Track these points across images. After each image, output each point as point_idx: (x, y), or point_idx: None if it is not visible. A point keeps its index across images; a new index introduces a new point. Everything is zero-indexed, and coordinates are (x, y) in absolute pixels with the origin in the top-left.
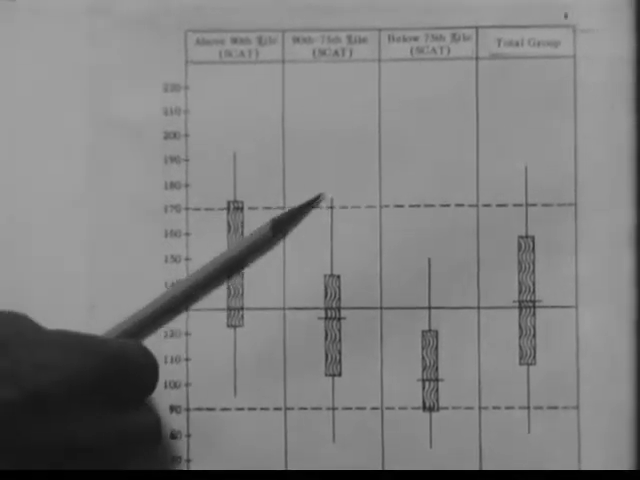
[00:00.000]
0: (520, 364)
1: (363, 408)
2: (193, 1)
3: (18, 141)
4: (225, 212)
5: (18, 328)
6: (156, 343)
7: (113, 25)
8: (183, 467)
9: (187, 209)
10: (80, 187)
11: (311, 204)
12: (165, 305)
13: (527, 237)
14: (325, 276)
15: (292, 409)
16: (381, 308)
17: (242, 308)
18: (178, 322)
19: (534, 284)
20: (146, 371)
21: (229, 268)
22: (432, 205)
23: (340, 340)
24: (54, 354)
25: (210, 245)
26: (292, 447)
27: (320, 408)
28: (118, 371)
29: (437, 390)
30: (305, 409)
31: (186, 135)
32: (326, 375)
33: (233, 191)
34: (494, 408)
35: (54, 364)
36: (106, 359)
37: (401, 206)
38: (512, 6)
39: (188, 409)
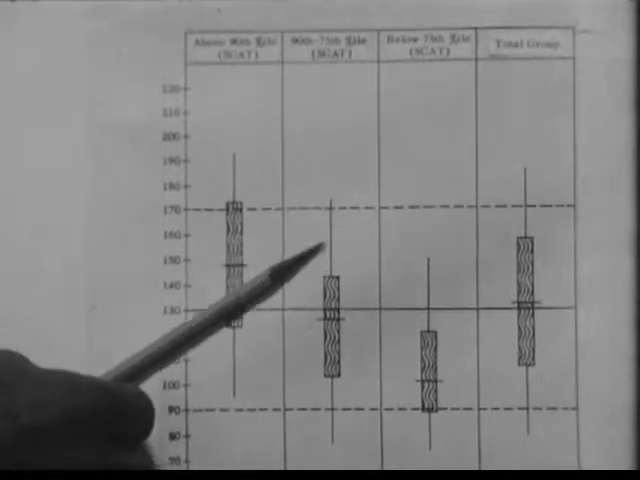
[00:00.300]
0: (519, 365)
1: (362, 409)
2: (192, 2)
3: (17, 142)
4: (224, 213)
5: (16, 366)
6: None
7: (113, 26)
8: (182, 467)
9: (186, 210)
10: (79, 188)
11: (311, 253)
12: (163, 350)
13: (526, 238)
14: (324, 277)
15: (291, 410)
16: (380, 309)
17: None
18: (177, 322)
19: (533, 285)
20: (142, 415)
21: (228, 315)
22: (431, 206)
23: (339, 341)
24: (52, 392)
25: (209, 246)
26: (291, 448)
27: (319, 409)
28: (115, 412)
29: (436, 391)
30: (304, 410)
31: (185, 136)
32: (325, 376)
33: (232, 192)
34: (493, 409)
35: (52, 401)
36: (104, 399)
37: (400, 207)
38: (511, 7)
39: (187, 410)
